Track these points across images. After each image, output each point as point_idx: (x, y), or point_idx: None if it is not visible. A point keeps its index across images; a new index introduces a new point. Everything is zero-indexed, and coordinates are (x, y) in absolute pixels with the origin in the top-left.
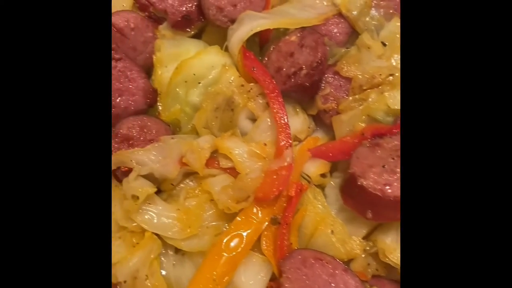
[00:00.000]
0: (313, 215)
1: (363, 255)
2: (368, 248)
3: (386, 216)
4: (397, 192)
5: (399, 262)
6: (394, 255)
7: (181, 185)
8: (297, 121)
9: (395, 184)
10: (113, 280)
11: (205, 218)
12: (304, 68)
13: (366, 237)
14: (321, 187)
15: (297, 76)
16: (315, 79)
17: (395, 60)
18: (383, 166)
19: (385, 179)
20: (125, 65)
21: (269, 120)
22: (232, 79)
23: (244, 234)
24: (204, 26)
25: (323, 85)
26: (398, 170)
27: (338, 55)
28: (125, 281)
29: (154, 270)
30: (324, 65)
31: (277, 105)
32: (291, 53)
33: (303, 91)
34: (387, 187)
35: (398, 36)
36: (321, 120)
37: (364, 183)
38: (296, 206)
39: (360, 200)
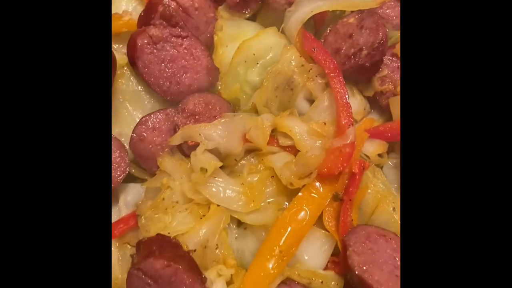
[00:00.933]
0: (374, 193)
1: None
2: None
3: None
4: None
5: None
6: None
7: (243, 161)
8: (354, 102)
9: None
10: (184, 248)
11: (267, 193)
12: (364, 48)
13: None
14: (379, 166)
15: (357, 56)
16: (375, 60)
17: None
18: None
19: None
20: (191, 43)
21: (327, 100)
22: (293, 58)
23: (308, 209)
24: (258, 9)
25: (381, 67)
26: None
27: (395, 38)
28: (195, 250)
29: (223, 240)
30: (385, 46)
31: (338, 84)
32: (350, 34)
33: (362, 72)
34: None
35: None
36: (376, 102)
37: None
38: (359, 183)
39: None
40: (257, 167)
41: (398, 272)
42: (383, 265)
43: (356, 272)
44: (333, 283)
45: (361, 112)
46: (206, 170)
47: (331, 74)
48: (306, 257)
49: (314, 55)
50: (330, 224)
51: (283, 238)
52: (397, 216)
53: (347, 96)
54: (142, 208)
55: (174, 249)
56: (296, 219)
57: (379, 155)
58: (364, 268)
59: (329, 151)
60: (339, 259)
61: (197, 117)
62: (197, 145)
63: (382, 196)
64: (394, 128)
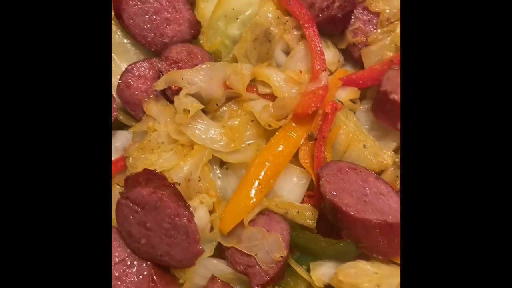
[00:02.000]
0: (346, 133)
1: (392, 168)
2: (397, 159)
3: None
4: None
5: None
6: None
7: (224, 108)
8: (329, 54)
9: None
10: (169, 181)
11: (247, 136)
12: (336, 1)
13: (396, 151)
14: (352, 111)
15: (330, 8)
16: (347, 11)
17: None
18: None
19: None
20: None
21: (303, 50)
22: (270, 11)
23: (284, 146)
24: None
25: (352, 20)
26: None
27: None
28: (179, 183)
29: (206, 174)
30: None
31: (312, 34)
32: None
33: (335, 24)
34: None
35: None
36: (350, 54)
37: (396, 97)
38: (332, 122)
39: (392, 113)
40: (237, 112)
41: (367, 199)
42: (352, 192)
43: (327, 197)
44: (308, 213)
45: (336, 63)
46: (189, 111)
47: (306, 25)
48: (283, 192)
49: (289, 8)
50: (305, 161)
51: (262, 172)
52: (367, 152)
53: (320, 44)
54: (129, 150)
55: (160, 180)
56: (273, 155)
57: (352, 101)
58: (334, 193)
59: (304, 94)
60: (314, 193)
61: (179, 64)
62: (180, 90)
63: (353, 135)
64: (365, 76)
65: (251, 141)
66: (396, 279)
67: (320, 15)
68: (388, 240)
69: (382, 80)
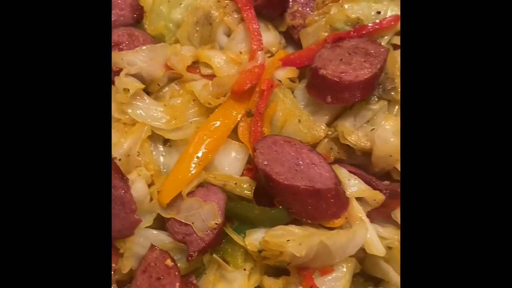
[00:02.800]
0: (283, 109)
1: (326, 140)
2: (330, 133)
3: (343, 99)
4: (351, 77)
5: (355, 143)
6: (351, 137)
7: (166, 88)
8: (269, 36)
9: (350, 71)
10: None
11: (188, 114)
12: None
13: (328, 125)
14: (291, 90)
15: None
16: None
17: None
18: (341, 60)
19: (342, 68)
20: None
21: (242, 33)
22: None
23: (222, 122)
24: None
25: (291, 3)
26: (353, 61)
27: None
28: (119, 159)
29: (145, 149)
30: None
31: (250, 16)
32: None
33: (272, 7)
34: (343, 74)
35: None
36: (291, 37)
37: (324, 72)
38: (267, 99)
39: (322, 88)
40: (179, 92)
41: (298, 168)
42: (284, 162)
43: (260, 167)
44: (246, 185)
45: (277, 44)
46: (129, 90)
47: (244, 8)
48: (224, 166)
49: None
50: (244, 136)
51: (201, 147)
52: (301, 127)
53: (256, 26)
54: None
55: None
56: (212, 130)
57: (292, 79)
58: (266, 163)
59: (241, 72)
60: (252, 165)
61: (120, 46)
62: (121, 71)
63: (289, 111)
64: (302, 56)
65: (194, 119)
66: (317, 237)
67: None
68: (316, 205)
69: (314, 58)
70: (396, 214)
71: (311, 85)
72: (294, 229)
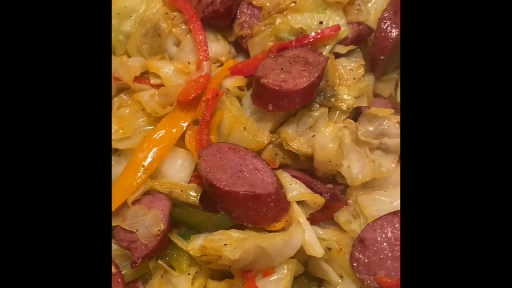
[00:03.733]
0: (229, 117)
1: (271, 146)
2: (274, 139)
3: (283, 107)
4: (291, 86)
5: (298, 149)
6: (294, 143)
7: (115, 99)
8: (219, 46)
9: (290, 80)
10: None
11: (137, 124)
12: None
13: (273, 131)
14: (239, 98)
15: (214, 4)
16: (228, 5)
17: None
18: (281, 69)
19: (282, 77)
20: None
21: (190, 43)
22: (157, 7)
23: (169, 131)
24: None
25: (239, 14)
26: (293, 70)
27: None
28: None
29: None
30: None
31: (196, 27)
32: None
33: (219, 18)
34: (283, 83)
35: None
36: (240, 46)
37: (265, 81)
38: (213, 108)
39: (263, 96)
40: (127, 102)
41: (241, 174)
42: (227, 168)
43: (202, 174)
44: (192, 191)
45: (226, 54)
46: None
47: (191, 20)
48: (170, 174)
49: (176, 5)
50: (191, 144)
51: (147, 155)
52: (246, 134)
53: (203, 35)
54: None
55: None
56: (158, 139)
57: (240, 88)
58: (208, 170)
59: (187, 82)
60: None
61: None
62: None
63: (236, 119)
64: (249, 65)
65: (142, 129)
66: (253, 241)
67: (205, 10)
68: (256, 209)
69: (257, 67)
70: (338, 216)
71: (254, 94)
72: (234, 233)
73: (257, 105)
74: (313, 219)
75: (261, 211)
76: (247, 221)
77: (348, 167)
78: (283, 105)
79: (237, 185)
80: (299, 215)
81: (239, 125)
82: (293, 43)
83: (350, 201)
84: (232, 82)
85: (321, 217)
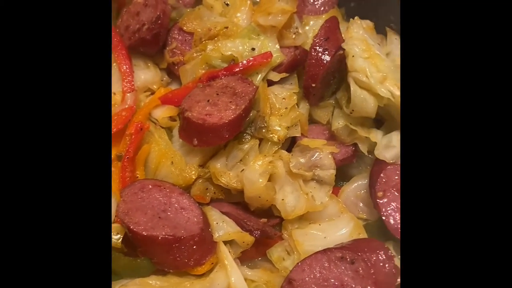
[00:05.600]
0: (157, 151)
1: (200, 181)
2: (202, 174)
3: (208, 141)
4: (215, 120)
5: (227, 184)
6: (223, 178)
7: None
8: (149, 74)
9: (215, 113)
10: None
11: None
12: (146, 24)
13: (202, 165)
14: (171, 129)
15: (140, 31)
16: (155, 33)
17: (237, 17)
18: (208, 101)
19: (207, 110)
20: None
21: (117, 73)
22: None
23: None
24: None
25: (169, 41)
26: (220, 102)
27: (185, 15)
28: None
29: None
30: (164, 21)
31: (120, 56)
32: (137, 12)
33: (146, 45)
34: (208, 116)
35: None
36: (173, 73)
37: (190, 114)
38: (136, 143)
39: (188, 130)
40: None
41: (163, 215)
42: (148, 209)
43: (120, 217)
44: (114, 234)
45: (157, 82)
46: None
47: (116, 48)
48: None
49: None
50: (114, 182)
51: None
52: (174, 168)
53: (127, 66)
54: None
55: None
56: None
57: (173, 118)
58: (126, 212)
59: (113, 115)
60: None
61: None
62: None
63: (163, 153)
64: (180, 94)
65: None
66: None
67: (131, 37)
68: (176, 254)
69: (183, 99)
70: (271, 253)
71: (180, 127)
72: (152, 280)
73: (183, 139)
74: (247, 256)
75: (182, 255)
76: (167, 266)
77: (283, 199)
78: (208, 139)
79: (156, 228)
80: (226, 256)
81: (166, 159)
82: (223, 72)
83: (285, 235)
84: (162, 112)
85: (255, 254)
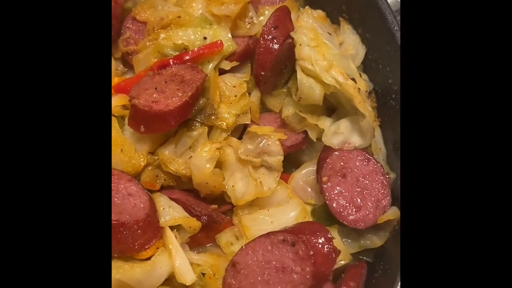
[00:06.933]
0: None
1: (150, 168)
2: (152, 161)
3: (155, 128)
4: (162, 107)
5: (176, 171)
6: (172, 165)
7: None
8: None
9: (162, 100)
10: None
11: None
12: None
13: (152, 152)
14: (124, 117)
15: None
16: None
17: (192, 7)
18: (156, 88)
19: (154, 97)
20: None
21: None
22: None
23: None
24: None
25: (123, 30)
26: (167, 90)
27: (139, 4)
28: None
29: None
30: (116, 10)
31: None
32: None
33: None
34: (154, 103)
35: None
36: (127, 62)
37: (136, 102)
38: None
39: (135, 118)
40: None
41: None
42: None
43: None
44: None
45: (112, 71)
46: None
47: None
48: None
49: None
50: None
51: None
52: (123, 156)
53: None
54: None
55: None
56: None
57: (126, 107)
58: None
59: None
60: None
61: None
62: None
63: (114, 140)
64: (133, 82)
65: None
66: (116, 271)
67: None
68: (120, 238)
69: (132, 87)
70: (220, 238)
71: (129, 115)
72: None
73: (131, 127)
74: (196, 242)
75: (126, 239)
76: (113, 251)
77: (233, 186)
78: (155, 126)
79: None
80: (171, 241)
81: (116, 147)
82: (173, 60)
83: (236, 221)
84: (115, 101)
85: (205, 239)
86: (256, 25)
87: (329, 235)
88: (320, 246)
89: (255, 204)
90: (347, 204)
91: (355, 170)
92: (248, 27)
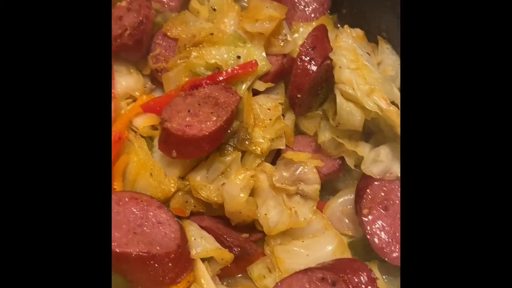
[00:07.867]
0: (136, 161)
1: (180, 193)
2: (182, 186)
3: (188, 154)
4: (195, 131)
5: (208, 198)
6: (204, 191)
7: None
8: (131, 80)
9: (196, 124)
10: None
11: None
12: (128, 29)
13: (183, 177)
14: (152, 138)
15: (122, 36)
16: (137, 38)
17: (224, 23)
18: (189, 111)
19: (187, 121)
20: None
21: None
22: None
23: None
24: None
25: (153, 46)
26: (201, 113)
27: (170, 20)
28: None
29: None
30: (147, 26)
31: None
32: (120, 16)
33: (129, 51)
34: (187, 128)
35: (228, 1)
36: (156, 80)
37: (169, 125)
38: (115, 153)
39: (167, 142)
40: None
41: (139, 230)
42: (123, 224)
43: None
44: None
45: (140, 89)
46: None
47: None
48: None
49: None
50: None
51: None
52: (152, 180)
53: None
54: None
55: None
56: None
57: (155, 127)
58: None
59: None
60: None
61: None
62: None
63: (142, 164)
64: (162, 102)
65: None
66: None
67: (114, 43)
68: (150, 271)
69: (164, 109)
70: (252, 270)
71: (160, 138)
72: None
73: (162, 151)
74: (226, 273)
75: (157, 272)
76: (142, 284)
77: (265, 214)
78: (187, 151)
79: (130, 244)
80: (203, 275)
81: (145, 171)
82: (206, 81)
83: (268, 251)
84: (144, 121)
85: (236, 270)
86: (290, 42)
87: (373, 275)
88: (363, 286)
89: (288, 234)
90: (390, 240)
91: (397, 202)
92: (282, 45)
